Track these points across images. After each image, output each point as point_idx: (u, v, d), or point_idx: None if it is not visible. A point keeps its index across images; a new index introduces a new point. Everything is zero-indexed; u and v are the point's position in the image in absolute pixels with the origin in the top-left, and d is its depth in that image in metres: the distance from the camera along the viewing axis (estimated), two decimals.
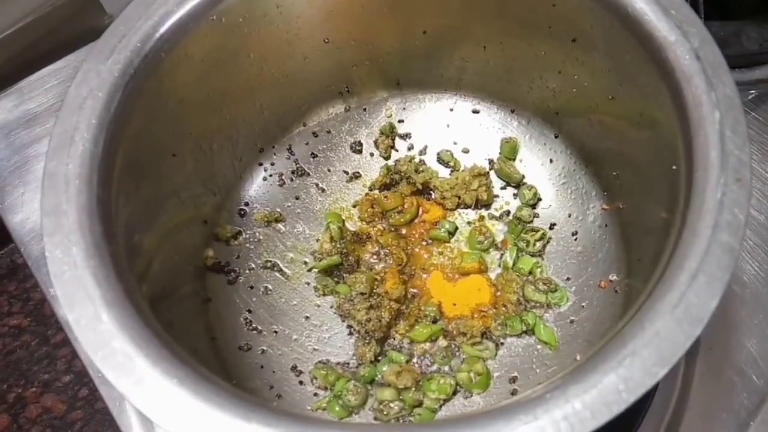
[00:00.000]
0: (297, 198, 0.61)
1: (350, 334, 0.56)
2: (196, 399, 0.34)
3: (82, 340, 0.35)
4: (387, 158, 0.63)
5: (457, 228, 0.60)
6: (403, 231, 0.60)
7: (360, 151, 0.63)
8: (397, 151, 0.63)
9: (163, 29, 0.45)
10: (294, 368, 0.54)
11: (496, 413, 0.35)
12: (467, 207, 0.61)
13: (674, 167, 0.44)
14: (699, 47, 0.44)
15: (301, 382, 0.54)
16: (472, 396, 0.53)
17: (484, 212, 0.61)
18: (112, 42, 0.44)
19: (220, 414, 0.34)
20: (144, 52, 0.44)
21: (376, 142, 0.63)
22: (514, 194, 0.62)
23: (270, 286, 0.57)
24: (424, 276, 0.59)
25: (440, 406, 0.53)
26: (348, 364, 0.55)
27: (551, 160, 0.61)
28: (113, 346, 0.35)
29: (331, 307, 0.57)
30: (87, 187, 0.39)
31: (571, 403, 0.34)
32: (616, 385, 0.35)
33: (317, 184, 0.62)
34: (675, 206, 0.43)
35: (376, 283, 0.57)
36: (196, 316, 0.54)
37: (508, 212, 0.61)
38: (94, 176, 0.40)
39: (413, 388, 0.53)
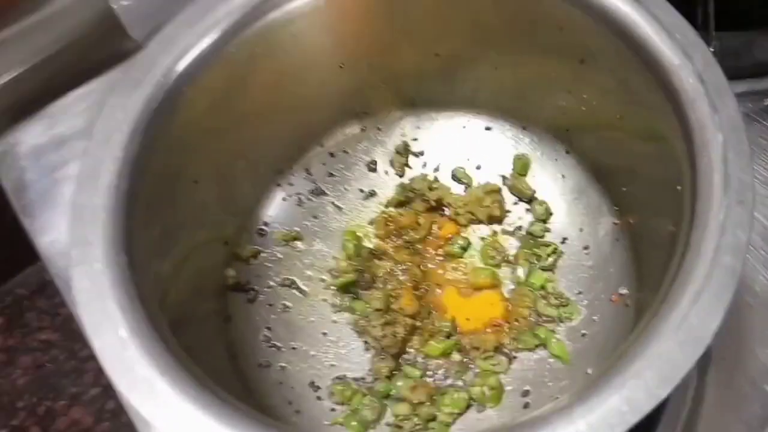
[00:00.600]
0: (315, 217, 0.63)
1: (366, 349, 0.57)
2: (218, 423, 0.36)
3: (108, 367, 0.37)
4: (401, 176, 0.64)
5: (470, 244, 0.61)
6: (418, 247, 0.62)
7: (375, 170, 0.65)
8: (411, 168, 0.65)
9: (184, 64, 0.47)
10: (312, 384, 0.56)
11: None
12: (480, 223, 0.62)
13: (678, 188, 0.45)
14: (703, 70, 0.45)
15: (318, 398, 0.55)
16: (485, 410, 0.54)
17: (497, 227, 0.62)
18: (137, 77, 0.46)
19: None
20: (167, 86, 0.46)
21: (391, 161, 0.65)
22: (526, 209, 0.62)
23: (289, 304, 0.59)
24: (438, 291, 0.60)
25: (454, 420, 0.54)
26: (364, 379, 0.56)
27: (563, 176, 0.62)
28: (137, 373, 0.37)
29: (348, 323, 0.58)
30: (112, 218, 0.41)
31: (575, 425, 0.35)
32: (620, 406, 0.36)
33: (334, 203, 0.63)
34: (679, 225, 0.44)
35: (391, 299, 0.58)
36: (218, 335, 0.55)
37: (520, 227, 0.62)
38: (120, 208, 0.42)
39: (428, 403, 0.54)
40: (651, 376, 0.36)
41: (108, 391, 0.97)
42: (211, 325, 0.55)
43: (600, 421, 0.36)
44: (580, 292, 0.58)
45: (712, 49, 0.48)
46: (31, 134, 0.69)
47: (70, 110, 0.69)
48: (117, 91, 0.45)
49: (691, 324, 0.37)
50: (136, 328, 0.39)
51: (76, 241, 0.41)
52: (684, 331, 0.37)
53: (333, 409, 0.55)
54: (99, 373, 0.99)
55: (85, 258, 0.40)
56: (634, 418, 0.36)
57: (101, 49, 0.69)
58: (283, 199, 0.63)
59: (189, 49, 0.47)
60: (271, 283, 0.60)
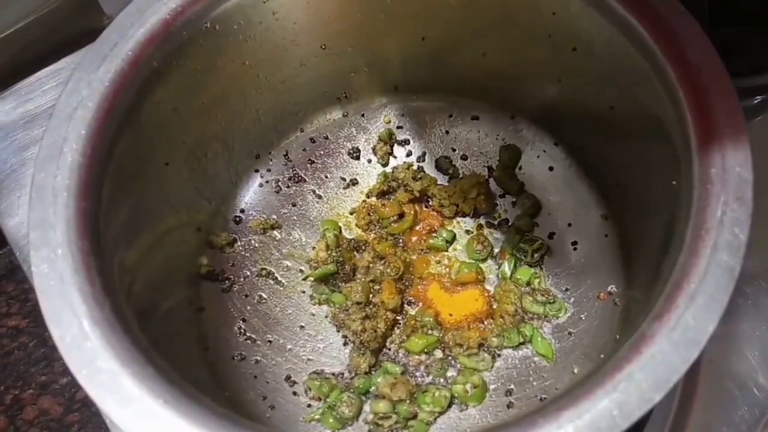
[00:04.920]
0: (293, 205, 0.60)
1: (345, 344, 0.55)
2: (180, 419, 0.34)
3: (67, 357, 0.35)
4: (385, 165, 0.62)
5: (455, 237, 0.59)
6: (401, 239, 0.60)
7: (358, 158, 0.62)
8: (395, 157, 0.63)
9: (155, 38, 0.44)
10: (288, 378, 0.54)
11: None
12: (465, 215, 0.60)
13: (674, 182, 0.43)
14: (701, 59, 0.43)
15: (294, 393, 0.53)
16: (467, 408, 0.52)
17: (482, 221, 0.60)
18: (104, 50, 0.43)
19: None
20: (136, 62, 0.44)
21: (374, 149, 0.62)
22: (513, 202, 0.61)
23: (265, 295, 0.57)
24: (421, 286, 0.58)
25: (435, 419, 0.52)
26: (342, 374, 0.54)
27: (551, 168, 0.60)
28: (98, 365, 0.35)
29: (326, 316, 0.56)
30: (75, 200, 0.39)
31: (563, 429, 0.34)
32: (611, 410, 0.34)
33: (314, 191, 0.61)
34: (675, 221, 0.42)
35: (372, 292, 0.56)
36: (189, 326, 0.53)
37: (507, 221, 0.60)
38: (83, 188, 0.39)
39: (408, 401, 0.52)
40: (644, 378, 0.35)
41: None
42: (182, 315, 0.53)
43: (589, 426, 0.34)
44: (567, 289, 0.56)
45: None
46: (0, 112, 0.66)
47: (40, 87, 0.66)
48: (82, 65, 0.42)
49: (687, 325, 0.36)
50: (98, 318, 0.36)
51: (36, 223, 0.38)
52: (679, 332, 0.36)
53: (309, 405, 0.53)
54: None
55: (45, 242, 0.38)
56: (625, 423, 0.34)
57: (73, 25, 0.66)
58: (261, 186, 0.60)
59: (162, 22, 0.44)
60: (247, 273, 0.57)
